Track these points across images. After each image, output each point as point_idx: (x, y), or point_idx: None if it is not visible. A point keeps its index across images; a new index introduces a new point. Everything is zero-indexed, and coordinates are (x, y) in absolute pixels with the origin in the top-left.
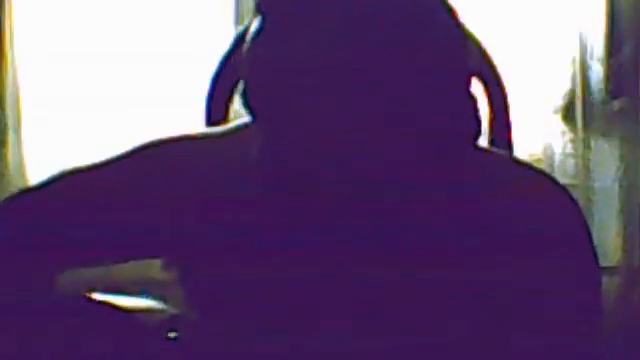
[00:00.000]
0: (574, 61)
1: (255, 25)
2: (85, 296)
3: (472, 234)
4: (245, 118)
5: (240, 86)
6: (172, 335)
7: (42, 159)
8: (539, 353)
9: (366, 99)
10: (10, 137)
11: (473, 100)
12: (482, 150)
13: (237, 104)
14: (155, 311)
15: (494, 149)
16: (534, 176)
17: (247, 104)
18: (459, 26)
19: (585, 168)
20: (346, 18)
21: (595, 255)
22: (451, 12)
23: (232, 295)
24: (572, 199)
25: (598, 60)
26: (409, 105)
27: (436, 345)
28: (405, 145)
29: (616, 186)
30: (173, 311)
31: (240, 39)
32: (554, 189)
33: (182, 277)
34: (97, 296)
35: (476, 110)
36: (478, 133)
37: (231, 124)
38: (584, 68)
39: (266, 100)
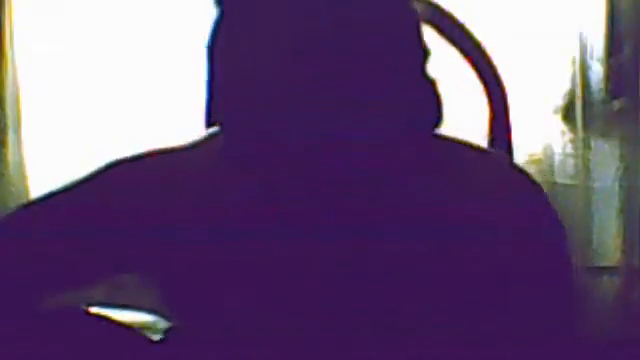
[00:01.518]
0: (574, 61)
1: (214, 19)
2: (82, 310)
3: (429, 226)
4: (214, 129)
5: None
6: (156, 339)
7: (42, 159)
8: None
9: (319, 92)
10: (10, 137)
11: (430, 84)
12: (444, 139)
13: None
14: (147, 323)
15: (459, 139)
16: (497, 165)
17: (209, 104)
18: (411, 11)
19: (585, 168)
20: (296, 10)
21: (565, 246)
22: None
23: (213, 302)
24: (530, 180)
25: (598, 60)
26: (363, 96)
27: (403, 339)
28: (361, 137)
29: (616, 186)
30: (168, 325)
31: None
32: (518, 176)
33: (162, 290)
34: (94, 310)
35: (435, 95)
36: (438, 119)
37: (200, 136)
38: (584, 68)
39: (226, 99)
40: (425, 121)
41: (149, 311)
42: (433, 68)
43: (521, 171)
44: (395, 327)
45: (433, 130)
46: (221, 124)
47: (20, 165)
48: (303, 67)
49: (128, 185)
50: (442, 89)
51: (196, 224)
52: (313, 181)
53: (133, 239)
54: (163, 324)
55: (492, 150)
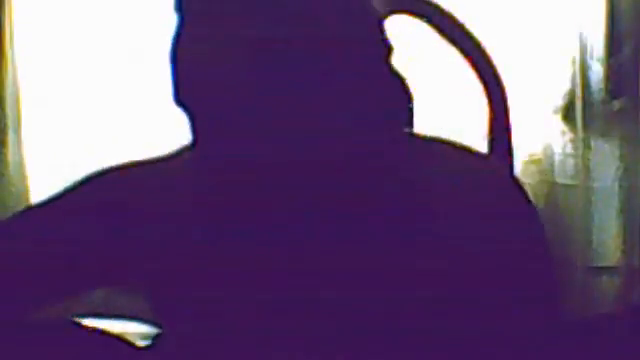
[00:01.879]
0: (574, 61)
1: (175, 23)
2: (73, 322)
3: (404, 226)
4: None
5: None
6: (143, 345)
7: (42, 159)
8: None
9: (282, 95)
10: (10, 137)
11: (398, 81)
12: (417, 137)
13: None
14: (134, 332)
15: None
16: (473, 162)
17: (178, 101)
18: (370, 7)
19: (585, 168)
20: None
21: (540, 239)
22: None
23: (198, 306)
24: (507, 178)
25: (598, 60)
26: (328, 96)
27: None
28: (329, 138)
29: (616, 186)
30: (150, 330)
31: None
32: (493, 175)
33: (148, 299)
34: (85, 322)
35: (404, 92)
36: (408, 116)
37: (175, 147)
38: (584, 68)
39: (193, 102)
40: (394, 117)
41: (141, 320)
42: (434, 68)
43: (490, 162)
44: (386, 328)
45: (404, 127)
46: (192, 127)
47: (20, 165)
48: (266, 64)
49: (103, 198)
50: (411, 86)
51: (177, 231)
52: (282, 180)
53: (112, 252)
54: (155, 332)
55: (461, 144)
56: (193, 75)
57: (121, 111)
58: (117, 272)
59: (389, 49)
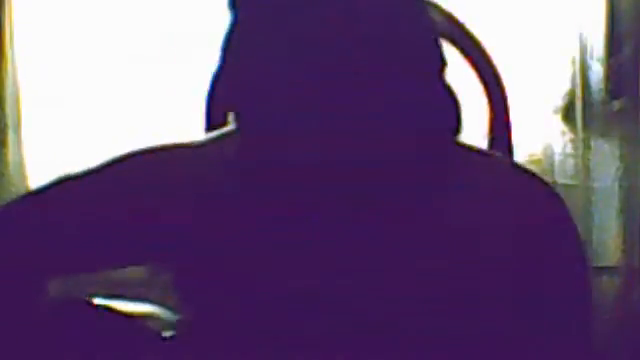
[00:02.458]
0: (574, 61)
1: (229, 22)
2: (84, 300)
3: (451, 237)
4: (228, 126)
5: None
6: (167, 335)
7: (42, 159)
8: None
9: (342, 98)
10: (10, 137)
11: (449, 92)
12: (465, 148)
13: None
14: (153, 315)
15: (479, 147)
16: (521, 177)
17: (225, 99)
18: (428, 17)
19: (585, 168)
20: (320, 15)
21: (584, 257)
22: (421, 5)
23: (227, 296)
24: (561, 202)
25: (598, 60)
26: (384, 103)
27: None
28: (382, 145)
29: (616, 186)
30: (171, 315)
31: None
32: (542, 190)
33: (175, 281)
34: (96, 301)
35: (454, 102)
36: (458, 126)
37: (213, 133)
38: (584, 68)
39: (244, 99)
40: (443, 126)
41: (153, 303)
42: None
43: (536, 177)
44: (413, 331)
45: (452, 136)
46: (237, 121)
47: (20, 165)
48: (320, 67)
49: (142, 177)
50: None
51: (209, 219)
52: (326, 181)
53: (144, 230)
54: (167, 315)
55: (502, 156)
56: (246, 73)
57: (121, 111)
58: (149, 253)
59: (444, 63)
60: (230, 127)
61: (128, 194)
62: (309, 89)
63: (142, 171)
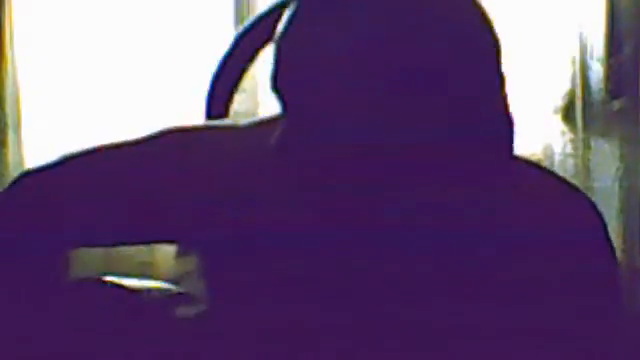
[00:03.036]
0: (574, 61)
1: (290, 9)
2: (96, 278)
3: (505, 250)
4: (274, 112)
5: (270, 69)
6: (189, 314)
7: (42, 159)
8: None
9: (398, 96)
10: (10, 137)
11: (505, 102)
12: (520, 162)
13: (236, 104)
14: (162, 290)
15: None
16: (569, 192)
17: (276, 88)
18: (490, 29)
19: (585, 168)
20: (381, 12)
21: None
22: (481, 14)
23: (253, 284)
24: (601, 218)
25: (598, 60)
26: (439, 110)
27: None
28: (434, 150)
29: (616, 186)
30: (179, 290)
31: (240, 39)
32: (587, 205)
33: (201, 265)
34: (107, 278)
35: (509, 118)
36: (512, 141)
37: (262, 116)
38: (584, 68)
39: (296, 86)
40: (500, 141)
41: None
42: None
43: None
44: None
45: (508, 151)
46: (285, 109)
47: (20, 165)
48: (383, 69)
49: (182, 153)
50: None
51: (247, 204)
52: (377, 184)
53: (181, 206)
54: (176, 290)
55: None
56: (299, 68)
57: (121, 111)
58: (184, 231)
59: (502, 80)
60: (275, 113)
61: (167, 170)
62: (371, 93)
63: (182, 148)
